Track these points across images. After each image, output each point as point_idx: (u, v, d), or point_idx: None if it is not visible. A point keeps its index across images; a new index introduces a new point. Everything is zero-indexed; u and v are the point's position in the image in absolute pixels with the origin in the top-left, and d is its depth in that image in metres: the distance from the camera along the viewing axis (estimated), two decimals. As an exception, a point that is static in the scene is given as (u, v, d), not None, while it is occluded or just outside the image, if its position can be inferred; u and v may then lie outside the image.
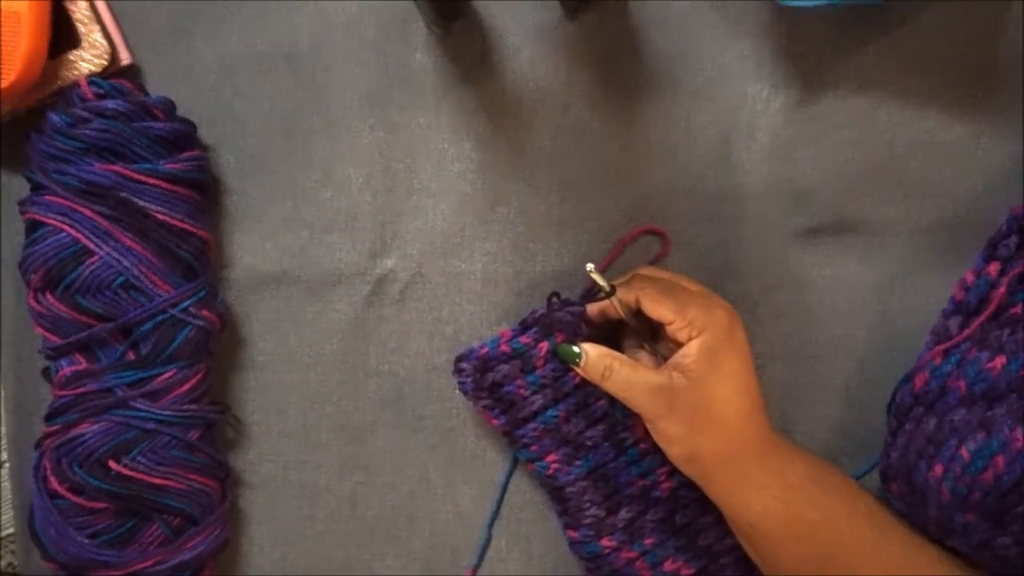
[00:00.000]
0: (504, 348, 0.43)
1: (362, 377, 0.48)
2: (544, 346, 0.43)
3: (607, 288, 0.41)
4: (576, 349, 0.42)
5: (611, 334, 0.46)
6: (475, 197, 0.47)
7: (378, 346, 0.48)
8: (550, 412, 0.44)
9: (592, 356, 0.42)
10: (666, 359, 0.42)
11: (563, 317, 0.43)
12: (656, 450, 0.43)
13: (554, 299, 0.43)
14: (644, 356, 0.44)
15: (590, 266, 0.40)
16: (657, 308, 0.41)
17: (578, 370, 0.43)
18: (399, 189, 0.47)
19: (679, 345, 0.41)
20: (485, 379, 0.44)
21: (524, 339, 0.43)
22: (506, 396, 0.44)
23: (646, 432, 0.43)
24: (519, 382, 0.44)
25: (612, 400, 0.43)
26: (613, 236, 0.47)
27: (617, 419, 0.45)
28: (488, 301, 0.48)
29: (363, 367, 0.48)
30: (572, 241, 0.47)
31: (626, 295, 0.42)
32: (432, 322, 0.48)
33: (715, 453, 0.40)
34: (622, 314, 0.43)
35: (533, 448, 0.45)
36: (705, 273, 0.46)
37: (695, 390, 0.40)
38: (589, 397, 0.44)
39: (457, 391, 0.45)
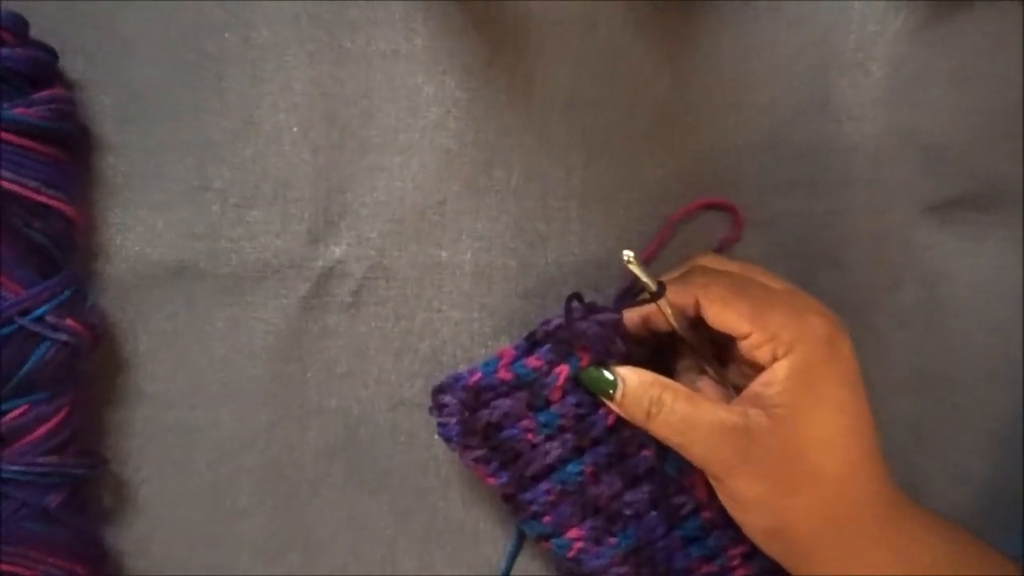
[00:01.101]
0: (504, 374, 0.43)
1: (299, 415, 0.48)
2: (563, 371, 0.43)
3: (653, 287, 0.41)
4: (609, 376, 0.42)
5: (660, 354, 0.46)
6: (461, 156, 0.47)
7: (321, 370, 0.48)
8: (571, 467, 0.44)
9: (633, 385, 0.42)
10: (739, 389, 0.42)
11: (589, 329, 0.42)
12: (726, 521, 0.43)
13: (576, 303, 0.43)
14: (707, 385, 0.44)
15: (628, 254, 0.40)
16: (725, 315, 0.41)
17: (612, 406, 0.42)
18: (351, 144, 0.47)
19: (758, 369, 0.41)
20: (477, 419, 0.43)
21: (533, 361, 0.43)
22: (507, 443, 0.43)
23: (711, 495, 0.43)
24: (526, 423, 0.43)
25: (662, 449, 0.43)
26: (660, 212, 0.47)
27: (669, 476, 0.44)
28: (480, 306, 0.48)
29: (300, 400, 0.48)
30: (601, 219, 0.47)
31: (681, 297, 0.42)
32: (400, 335, 0.48)
33: (813, 521, 0.40)
34: (674, 324, 0.42)
35: (547, 519, 0.44)
36: (794, 265, 0.47)
37: (782, 433, 0.39)
38: (628, 445, 0.44)
39: (437, 436, 0.45)
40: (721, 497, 0.41)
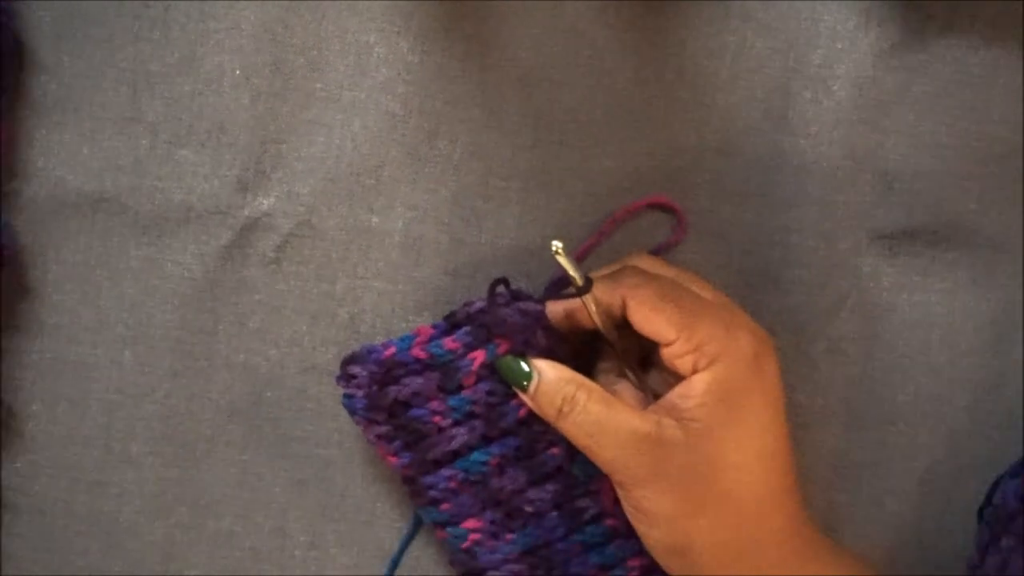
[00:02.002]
0: (419, 352, 0.43)
1: (204, 367, 0.47)
2: (479, 356, 0.43)
3: (579, 281, 0.40)
4: (526, 367, 0.42)
5: (582, 353, 0.45)
6: (405, 122, 0.47)
7: (233, 324, 0.47)
8: (477, 456, 0.44)
9: (548, 380, 0.41)
10: (658, 397, 0.41)
11: (511, 317, 0.42)
12: (629, 531, 0.43)
13: (501, 288, 0.43)
14: (626, 390, 0.43)
15: (557, 244, 0.39)
16: (651, 319, 0.40)
17: (526, 398, 0.42)
18: (293, 94, 0.46)
19: (678, 379, 0.40)
20: (385, 395, 0.43)
21: (450, 343, 0.43)
22: (414, 424, 0.43)
23: (616, 503, 0.42)
24: (436, 405, 0.43)
25: (571, 450, 0.43)
26: (604, 206, 0.47)
27: (576, 478, 0.44)
28: (406, 278, 0.47)
29: (207, 352, 0.47)
30: (543, 205, 0.47)
31: (609, 295, 0.41)
32: (319, 298, 0.47)
33: (717, 545, 0.40)
34: (598, 322, 0.42)
35: (445, 506, 0.44)
36: (734, 277, 0.47)
37: (696, 449, 0.39)
38: (538, 441, 0.44)
39: (343, 407, 0.44)
40: (625, 506, 0.41)
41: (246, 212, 0.46)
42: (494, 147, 0.46)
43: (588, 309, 0.41)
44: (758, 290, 0.46)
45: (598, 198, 0.46)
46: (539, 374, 0.41)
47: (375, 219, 0.47)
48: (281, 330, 0.47)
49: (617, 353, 0.43)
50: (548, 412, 0.41)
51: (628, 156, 0.46)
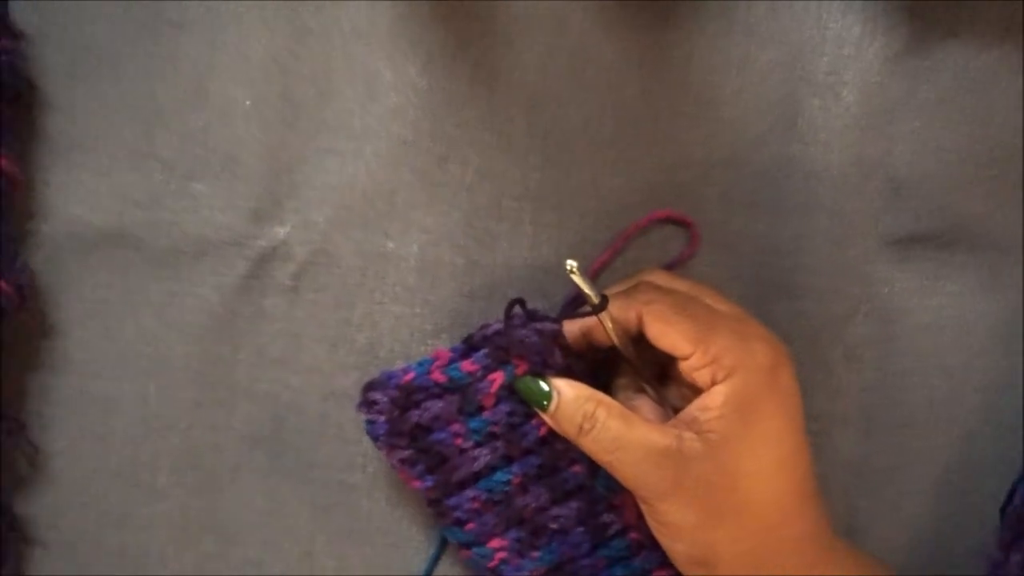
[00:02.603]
0: (438, 376, 0.42)
1: (226, 397, 0.47)
2: (497, 378, 0.42)
3: (595, 299, 0.40)
4: (544, 387, 0.41)
5: (600, 369, 0.45)
6: (417, 147, 0.46)
7: (254, 353, 0.47)
8: (499, 475, 0.43)
9: (568, 398, 0.41)
10: (677, 411, 0.41)
11: (528, 338, 0.42)
12: (653, 544, 0.42)
13: (517, 309, 0.42)
14: (645, 404, 0.43)
15: (572, 264, 0.39)
16: (667, 334, 0.40)
17: (546, 417, 0.42)
18: (304, 124, 0.46)
19: (696, 392, 0.40)
20: (406, 420, 0.43)
21: (468, 365, 0.42)
22: (435, 447, 0.43)
23: (640, 517, 0.42)
24: (456, 428, 0.43)
25: (593, 466, 0.42)
26: (616, 223, 0.47)
27: (598, 494, 0.44)
28: (423, 302, 0.47)
29: (229, 382, 0.47)
30: (555, 224, 0.47)
31: (624, 312, 0.41)
32: (337, 325, 0.47)
33: (739, 555, 0.39)
34: (615, 340, 0.42)
35: (470, 526, 0.44)
36: (747, 288, 0.47)
37: (716, 460, 0.39)
38: (560, 459, 0.43)
39: (365, 433, 0.43)
40: (648, 520, 0.40)
41: (262, 242, 0.46)
42: (505, 168, 0.46)
43: (604, 326, 0.41)
44: (772, 300, 0.46)
45: (610, 215, 0.46)
46: (558, 393, 0.41)
47: (390, 244, 0.46)
48: (301, 358, 0.47)
49: (635, 368, 0.43)
50: (568, 430, 0.41)
51: (637, 172, 0.46)
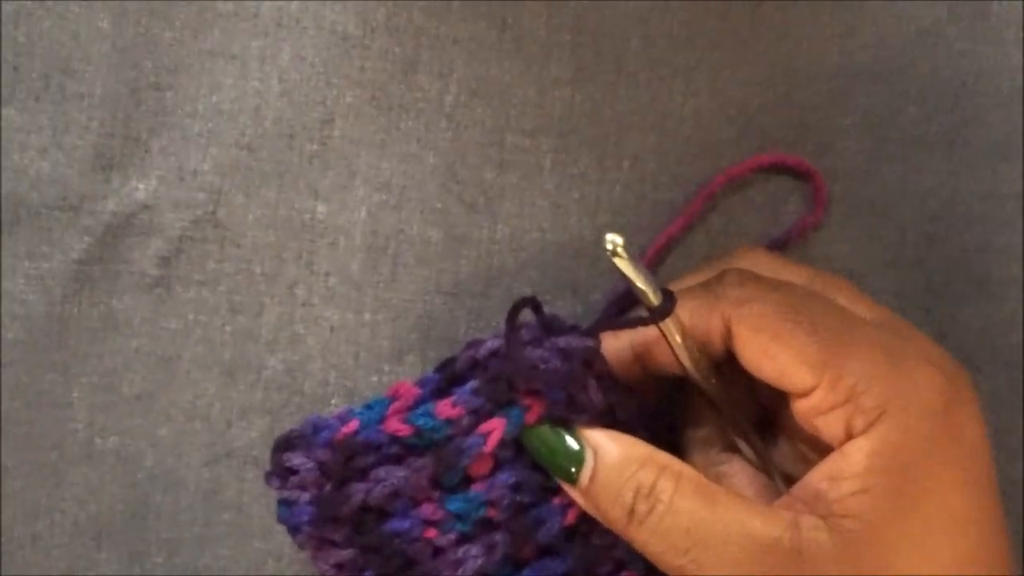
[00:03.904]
0: (397, 426, 0.35)
1: (52, 461, 0.37)
2: (495, 428, 0.35)
3: (654, 299, 0.33)
4: (573, 444, 0.35)
5: (663, 414, 0.39)
6: (365, 47, 0.38)
7: (99, 390, 0.38)
8: None
9: (612, 462, 0.34)
10: (790, 480, 0.36)
11: (545, 361, 0.35)
12: None
13: (527, 315, 0.36)
14: (738, 470, 0.37)
15: (614, 240, 0.32)
16: (773, 354, 0.34)
17: (575, 493, 0.34)
18: (182, 11, 0.38)
19: (822, 450, 0.34)
20: (345, 498, 0.35)
21: (448, 408, 0.35)
22: (394, 544, 0.36)
23: None
24: (428, 511, 0.35)
25: (652, 572, 0.36)
26: (692, 170, 0.39)
27: None
28: (375, 301, 0.38)
29: (57, 436, 0.37)
30: (590, 175, 0.39)
31: (703, 319, 0.35)
32: (235, 341, 0.38)
33: None
34: (687, 365, 0.35)
35: None
36: (905, 279, 0.40)
37: (855, 562, 0.33)
38: (598, 562, 0.37)
39: (277, 520, 0.35)
40: None
41: (110, 206, 0.37)
42: (509, 83, 0.38)
43: (670, 342, 0.34)
44: (946, 298, 0.39)
45: (680, 158, 0.38)
46: (595, 453, 0.34)
47: (320, 207, 0.37)
48: (176, 396, 0.37)
49: (721, 412, 0.36)
50: (613, 514, 0.33)
51: (728, 87, 0.38)
